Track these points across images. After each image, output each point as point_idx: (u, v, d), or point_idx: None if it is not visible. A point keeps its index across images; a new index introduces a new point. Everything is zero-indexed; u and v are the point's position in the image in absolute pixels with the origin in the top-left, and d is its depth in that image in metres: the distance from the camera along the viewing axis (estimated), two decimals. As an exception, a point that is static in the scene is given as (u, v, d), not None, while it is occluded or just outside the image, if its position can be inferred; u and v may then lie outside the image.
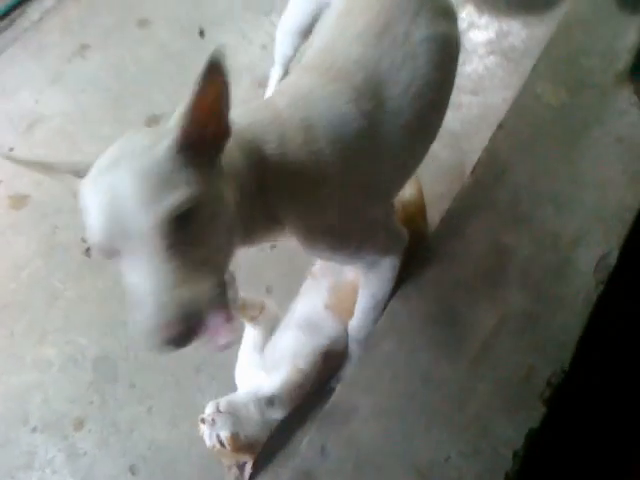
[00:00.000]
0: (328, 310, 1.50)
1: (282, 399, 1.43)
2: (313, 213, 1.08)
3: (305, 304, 1.54)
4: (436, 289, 1.38)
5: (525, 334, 1.31)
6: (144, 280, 0.77)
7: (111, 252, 0.81)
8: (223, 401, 1.43)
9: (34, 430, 1.64)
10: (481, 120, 2.00)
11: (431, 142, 1.30)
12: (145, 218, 0.77)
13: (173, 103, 2.22)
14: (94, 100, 2.36)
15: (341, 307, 1.48)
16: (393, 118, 1.12)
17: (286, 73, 1.88)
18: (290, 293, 1.63)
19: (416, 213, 1.60)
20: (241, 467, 1.44)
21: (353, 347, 1.47)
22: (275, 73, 1.93)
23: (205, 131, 0.83)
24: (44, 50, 2.59)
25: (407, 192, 1.60)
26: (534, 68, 1.72)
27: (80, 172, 0.90)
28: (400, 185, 1.31)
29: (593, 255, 1.38)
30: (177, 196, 0.78)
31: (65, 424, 1.63)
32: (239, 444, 1.39)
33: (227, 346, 0.84)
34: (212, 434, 1.39)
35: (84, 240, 1.95)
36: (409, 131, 1.15)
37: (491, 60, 2.19)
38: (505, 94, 2.00)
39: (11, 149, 2.27)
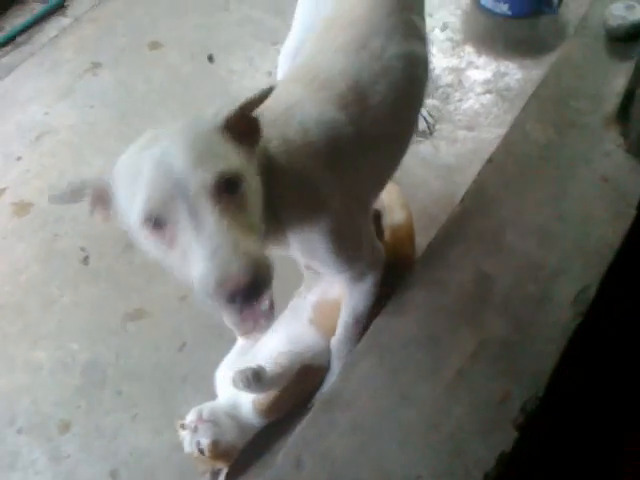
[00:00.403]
0: (312, 325, 1.54)
1: (261, 404, 1.47)
2: (313, 216, 1.13)
3: (290, 318, 1.58)
4: (418, 312, 1.42)
5: (502, 360, 1.34)
6: (206, 236, 0.81)
7: (162, 220, 0.84)
8: (206, 409, 1.46)
9: (19, 431, 1.68)
10: (474, 154, 2.07)
11: (405, 149, 1.41)
12: (201, 177, 0.83)
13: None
14: (101, 115, 2.44)
15: (325, 323, 1.53)
16: (374, 126, 1.22)
17: None
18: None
19: (405, 238, 1.66)
20: (215, 474, 1.47)
21: (335, 364, 1.50)
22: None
23: (244, 126, 0.94)
24: (58, 66, 2.68)
25: (397, 217, 1.66)
26: (525, 107, 1.79)
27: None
28: (379, 190, 1.42)
29: (573, 288, 1.42)
30: (227, 162, 0.86)
31: (50, 427, 1.67)
32: (218, 452, 1.42)
33: (263, 328, 0.92)
34: (192, 441, 1.42)
35: (82, 249, 2.01)
36: (388, 138, 1.28)
37: (487, 98, 2.27)
38: (499, 131, 2.06)
39: (19, 158, 2.34)
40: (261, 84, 2.29)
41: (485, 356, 1.35)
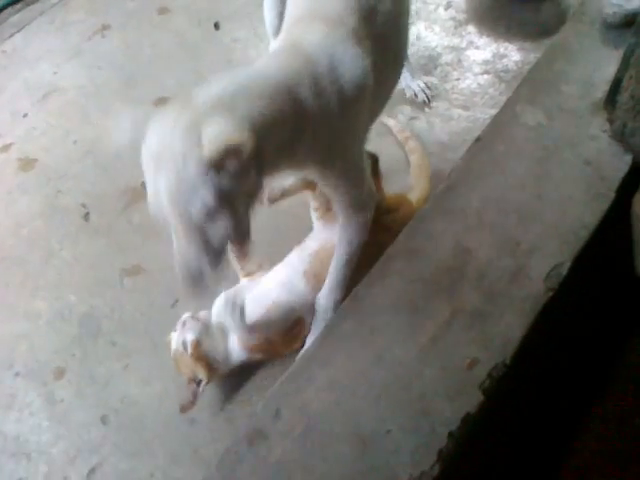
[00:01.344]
0: (304, 277, 1.63)
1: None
2: (334, 149, 1.25)
3: (288, 267, 1.66)
4: (399, 280, 1.49)
5: (474, 329, 1.41)
6: (179, 248, 1.05)
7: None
8: (202, 312, 1.58)
9: (17, 375, 1.77)
10: (467, 133, 2.11)
11: (400, 71, 1.57)
12: (176, 219, 1.00)
13: (182, 88, 2.37)
14: (108, 77, 2.50)
15: (319, 274, 1.60)
16: (380, 53, 1.30)
17: None
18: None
19: (405, 198, 1.82)
20: (197, 383, 1.54)
21: (318, 321, 1.58)
22: (272, 47, 2.03)
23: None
24: (67, 26, 2.73)
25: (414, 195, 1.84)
26: (517, 89, 1.84)
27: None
28: (379, 115, 1.52)
29: (546, 264, 1.48)
30: (200, 208, 0.99)
31: (46, 372, 1.76)
32: (199, 353, 1.51)
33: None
34: (180, 336, 1.52)
35: (84, 205, 2.08)
36: (389, 62, 1.38)
37: (485, 79, 2.30)
38: (492, 112, 2.09)
39: (25, 115, 2.40)
40: (264, 54, 2.35)
41: (458, 324, 1.42)
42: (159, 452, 1.59)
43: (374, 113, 1.45)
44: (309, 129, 1.15)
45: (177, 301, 1.82)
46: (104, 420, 1.66)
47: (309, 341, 1.60)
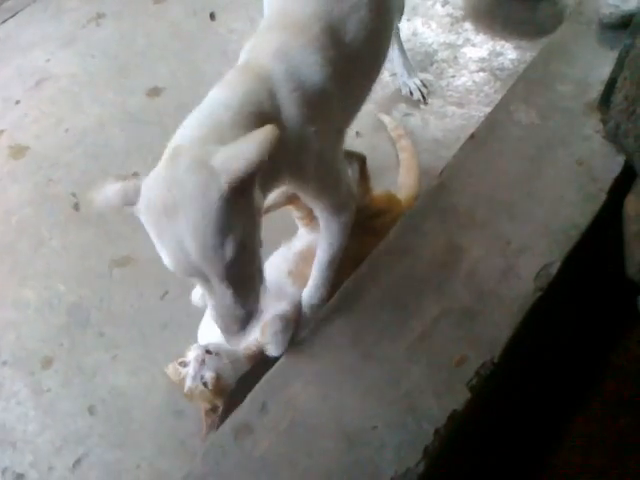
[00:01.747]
0: (290, 277, 1.61)
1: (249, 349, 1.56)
2: (306, 157, 1.23)
3: (272, 267, 1.64)
4: (388, 276, 1.49)
5: (462, 327, 1.41)
6: (216, 299, 1.04)
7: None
8: (212, 345, 1.54)
9: (4, 364, 1.76)
10: (462, 131, 2.10)
11: (375, 80, 1.50)
12: (212, 268, 0.97)
13: (176, 78, 2.36)
14: (102, 66, 2.48)
15: (303, 274, 1.59)
16: (348, 62, 1.29)
17: None
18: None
19: (393, 198, 1.79)
20: (215, 410, 1.54)
21: (304, 316, 1.57)
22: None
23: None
24: (62, 13, 2.72)
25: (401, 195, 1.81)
26: (512, 87, 1.84)
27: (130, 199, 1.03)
28: (352, 119, 1.48)
29: (536, 264, 1.48)
30: (234, 244, 0.96)
31: (34, 362, 1.75)
32: (220, 386, 1.49)
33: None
34: (197, 375, 1.48)
35: (74, 195, 2.07)
36: (361, 72, 1.38)
37: (480, 76, 2.30)
38: (487, 110, 2.08)
39: (17, 102, 2.39)
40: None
41: (447, 322, 1.42)
42: (146, 443, 1.58)
43: (345, 120, 1.42)
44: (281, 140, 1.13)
45: (166, 293, 1.82)
46: (91, 410, 1.65)
47: (297, 337, 1.59)
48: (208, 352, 1.51)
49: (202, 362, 1.49)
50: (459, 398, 1.33)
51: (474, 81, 2.29)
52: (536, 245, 1.52)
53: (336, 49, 1.27)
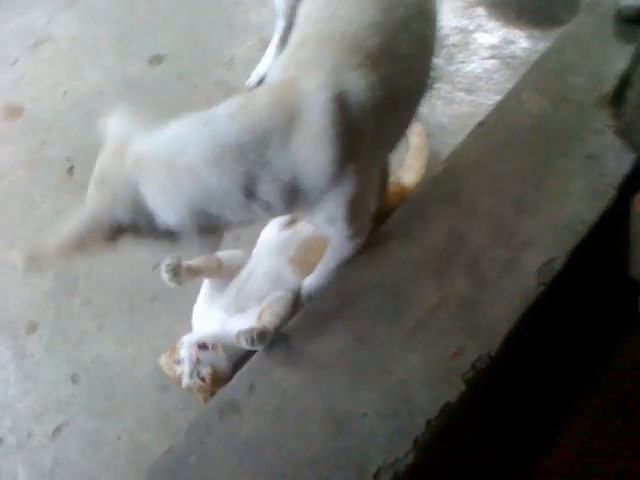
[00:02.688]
0: (291, 264, 1.57)
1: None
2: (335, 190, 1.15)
3: (272, 255, 1.60)
4: (388, 261, 1.45)
5: (461, 317, 1.37)
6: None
7: None
8: (205, 337, 1.50)
9: (-13, 327, 1.72)
10: (469, 118, 2.05)
11: (419, 103, 1.35)
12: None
13: (179, 47, 2.30)
14: (103, 30, 2.42)
15: (304, 262, 1.55)
16: (400, 82, 1.17)
17: (290, 25, 1.91)
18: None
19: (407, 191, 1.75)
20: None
21: (303, 299, 1.54)
22: (279, 25, 1.96)
23: None
24: (64, -27, 2.63)
25: (408, 179, 1.80)
26: (524, 76, 1.79)
27: None
28: (393, 149, 1.39)
29: (540, 258, 1.44)
30: None
31: (18, 326, 1.71)
32: (218, 378, 1.46)
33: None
34: (194, 372, 1.45)
35: (69, 159, 2.02)
36: (409, 93, 1.24)
37: (491, 64, 2.25)
38: (497, 98, 2.04)
39: (14, 62, 2.33)
40: (266, 20, 2.28)
41: (445, 311, 1.38)
42: (128, 415, 1.55)
43: (387, 151, 1.34)
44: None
45: (159, 264, 1.76)
46: (74, 379, 1.62)
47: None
48: (201, 347, 1.48)
49: (197, 360, 1.46)
50: (453, 390, 1.29)
51: (484, 68, 2.24)
52: (541, 238, 1.48)
53: (389, 68, 1.14)
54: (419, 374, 1.32)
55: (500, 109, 1.74)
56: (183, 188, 1.03)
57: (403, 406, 1.28)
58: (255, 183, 1.05)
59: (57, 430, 1.54)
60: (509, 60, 2.27)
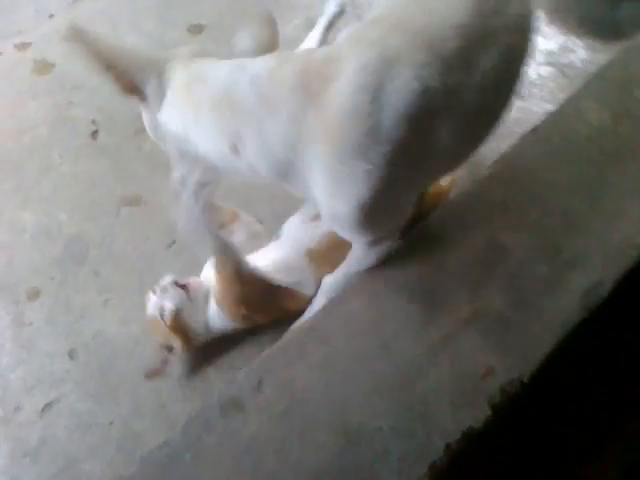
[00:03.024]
0: (307, 256, 1.48)
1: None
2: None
3: (290, 243, 1.51)
4: (420, 266, 1.34)
5: (493, 335, 1.27)
6: None
7: None
8: (192, 278, 1.45)
9: (-12, 287, 1.63)
10: (517, 124, 1.92)
11: (487, 133, 1.14)
12: None
13: (221, 17, 2.19)
14: None
15: (322, 256, 1.45)
16: (473, 98, 0.97)
17: (341, 11, 1.80)
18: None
19: (443, 192, 1.64)
20: (169, 349, 1.42)
21: (318, 299, 1.43)
22: (329, 10, 1.85)
23: None
24: None
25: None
26: (585, 84, 1.67)
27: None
28: (444, 174, 1.28)
29: (587, 280, 1.33)
30: None
31: (20, 291, 1.63)
32: (177, 323, 1.39)
33: None
34: (158, 303, 1.39)
35: (94, 122, 1.93)
36: (481, 114, 1.03)
37: (547, 70, 2.14)
38: (548, 107, 1.95)
39: (51, 16, 2.25)
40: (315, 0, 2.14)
41: (477, 326, 1.27)
42: (123, 399, 1.47)
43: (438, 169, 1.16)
44: None
45: (174, 242, 1.69)
46: (71, 354, 1.54)
47: (307, 314, 1.44)
48: (178, 285, 1.42)
49: (165, 290, 1.41)
50: (478, 414, 1.18)
51: (539, 74, 2.12)
52: (589, 259, 1.36)
53: (462, 79, 0.96)
54: (442, 392, 1.21)
55: (556, 116, 1.62)
56: (185, 115, 1.03)
57: (422, 425, 1.17)
58: (245, 145, 1.00)
59: (47, 407, 1.45)
60: (566, 69, 2.15)
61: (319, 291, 1.44)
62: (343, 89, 0.92)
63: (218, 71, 1.01)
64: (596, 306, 1.31)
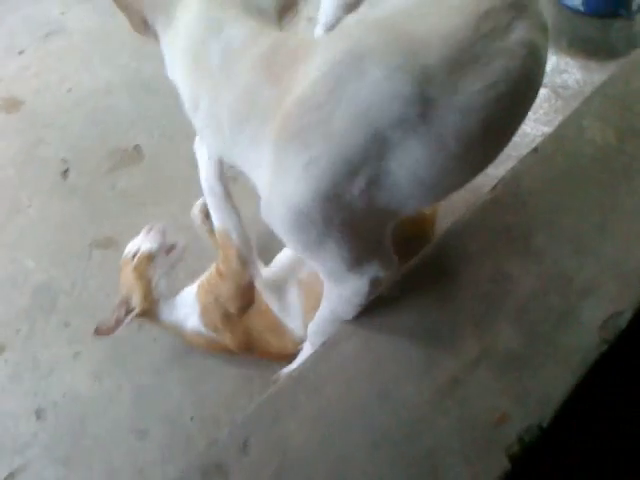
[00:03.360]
0: (298, 287, 1.37)
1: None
2: None
3: (283, 265, 1.41)
4: (419, 301, 1.22)
5: (506, 376, 1.14)
6: None
7: None
8: (178, 243, 1.40)
9: (-55, 342, 1.50)
10: (514, 149, 1.82)
11: (484, 167, 1.04)
12: None
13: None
14: (121, 26, 2.16)
15: (313, 290, 1.33)
16: (458, 118, 0.85)
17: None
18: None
19: (427, 220, 1.52)
20: (127, 307, 1.33)
21: (307, 347, 1.30)
22: None
23: None
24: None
25: None
26: (585, 101, 1.57)
27: None
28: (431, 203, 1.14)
29: (603, 310, 1.21)
30: None
31: (-18, 346, 1.48)
32: (142, 269, 1.32)
33: None
34: (137, 242, 1.34)
35: (64, 161, 1.82)
36: (468, 142, 0.89)
37: (541, 92, 2.03)
38: (545, 130, 1.87)
39: (21, 52, 2.17)
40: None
41: (487, 367, 1.14)
42: (96, 464, 1.33)
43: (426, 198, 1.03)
44: None
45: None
46: (39, 414, 1.41)
47: (298, 361, 1.31)
48: (164, 236, 1.39)
49: (148, 231, 1.37)
50: (494, 467, 1.05)
51: None
52: (604, 287, 1.24)
53: (447, 91, 0.84)
54: (452, 444, 1.07)
55: (557, 136, 1.51)
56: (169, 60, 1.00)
57: (431, 483, 1.03)
58: (200, 106, 0.95)
59: (10, 476, 1.31)
60: (560, 90, 2.08)
61: (307, 335, 1.31)
62: (307, 73, 0.84)
63: (198, 24, 0.94)
64: (616, 338, 1.19)
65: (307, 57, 0.85)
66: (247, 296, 1.34)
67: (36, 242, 1.67)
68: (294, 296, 1.35)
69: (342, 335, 1.18)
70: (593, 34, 2.26)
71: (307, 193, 0.85)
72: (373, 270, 1.03)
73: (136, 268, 1.31)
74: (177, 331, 1.38)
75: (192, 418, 1.35)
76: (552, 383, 1.13)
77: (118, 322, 1.30)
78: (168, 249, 1.38)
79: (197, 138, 1.38)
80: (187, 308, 1.35)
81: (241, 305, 1.34)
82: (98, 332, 1.29)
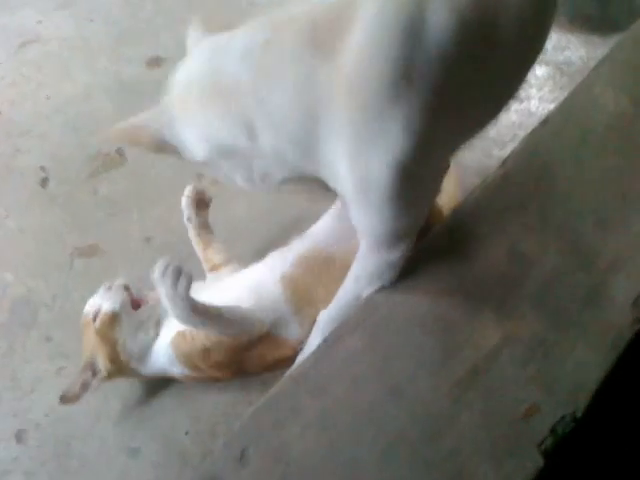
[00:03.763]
0: (281, 283, 1.28)
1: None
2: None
3: (264, 265, 1.32)
4: (431, 288, 1.11)
5: (532, 364, 1.03)
6: None
7: None
8: (148, 294, 1.28)
9: None
10: (519, 128, 1.81)
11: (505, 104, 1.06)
12: None
13: (181, 49, 2.00)
14: (99, 31, 2.19)
15: (300, 284, 1.25)
16: (510, 32, 0.84)
17: None
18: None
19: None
20: (92, 370, 1.23)
21: (314, 337, 1.18)
22: None
23: None
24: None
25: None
26: (595, 68, 1.48)
27: None
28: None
29: (634, 285, 1.11)
30: None
31: (-42, 366, 1.38)
32: (107, 330, 1.21)
33: None
34: (96, 300, 1.23)
35: (43, 169, 1.74)
36: (518, 54, 0.94)
37: (543, 70, 2.00)
38: (551, 107, 1.76)
39: (-3, 64, 2.06)
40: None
41: (510, 354, 1.04)
42: (85, 488, 1.19)
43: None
44: None
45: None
46: (19, 436, 1.31)
47: (300, 358, 1.20)
48: (127, 290, 1.26)
49: (109, 289, 1.25)
50: (527, 465, 0.94)
51: (536, 75, 1.99)
52: (633, 261, 1.15)
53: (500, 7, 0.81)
54: (478, 441, 0.97)
55: (568, 105, 1.42)
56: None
57: (456, 487, 0.91)
58: (256, 127, 0.87)
59: (-11, 506, 1.20)
60: (563, 67, 2.02)
61: (314, 329, 1.21)
62: (366, 29, 0.78)
63: (195, 64, 0.93)
64: (651, 314, 1.08)
65: (355, 15, 0.79)
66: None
67: (14, 254, 1.58)
68: (277, 294, 1.27)
69: (345, 329, 1.08)
70: (593, 11, 2.19)
71: (407, 146, 0.83)
72: (411, 240, 1.04)
73: (99, 331, 1.21)
74: (166, 377, 1.30)
75: (187, 432, 1.24)
76: (584, 368, 1.03)
77: (84, 387, 1.21)
78: (135, 304, 1.27)
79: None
80: (164, 358, 1.25)
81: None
82: (64, 400, 1.20)
